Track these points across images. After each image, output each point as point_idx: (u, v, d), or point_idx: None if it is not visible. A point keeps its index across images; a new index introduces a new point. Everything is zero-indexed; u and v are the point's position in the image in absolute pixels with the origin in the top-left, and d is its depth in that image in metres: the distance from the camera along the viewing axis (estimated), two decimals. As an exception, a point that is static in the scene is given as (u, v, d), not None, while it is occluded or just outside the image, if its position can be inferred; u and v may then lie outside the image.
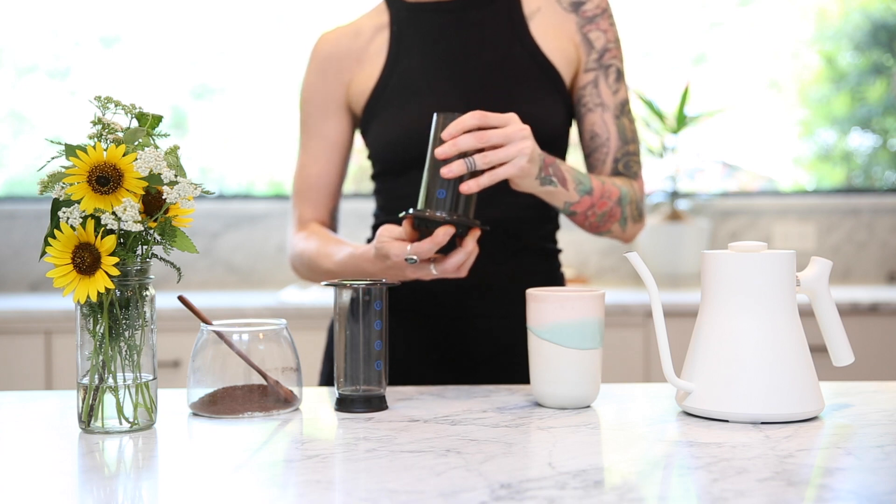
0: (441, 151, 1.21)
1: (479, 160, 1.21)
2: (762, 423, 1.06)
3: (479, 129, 1.22)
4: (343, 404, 1.15)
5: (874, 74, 3.60)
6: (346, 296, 1.15)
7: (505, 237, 1.47)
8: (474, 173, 1.23)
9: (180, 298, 1.19)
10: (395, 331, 1.46)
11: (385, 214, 1.52)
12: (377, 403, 1.15)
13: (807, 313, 1.12)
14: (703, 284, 1.12)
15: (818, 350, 1.19)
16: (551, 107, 1.46)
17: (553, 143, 1.46)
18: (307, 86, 1.57)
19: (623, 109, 1.48)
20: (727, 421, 1.07)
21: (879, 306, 2.71)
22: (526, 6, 1.49)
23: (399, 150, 1.48)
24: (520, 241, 1.49)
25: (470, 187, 1.21)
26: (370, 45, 1.53)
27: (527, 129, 1.24)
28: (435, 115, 1.27)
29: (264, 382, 1.15)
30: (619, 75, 1.49)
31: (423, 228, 1.25)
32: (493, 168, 1.22)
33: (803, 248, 3.25)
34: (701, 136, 3.49)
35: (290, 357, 1.17)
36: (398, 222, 1.47)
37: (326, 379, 1.54)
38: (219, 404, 1.13)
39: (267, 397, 1.14)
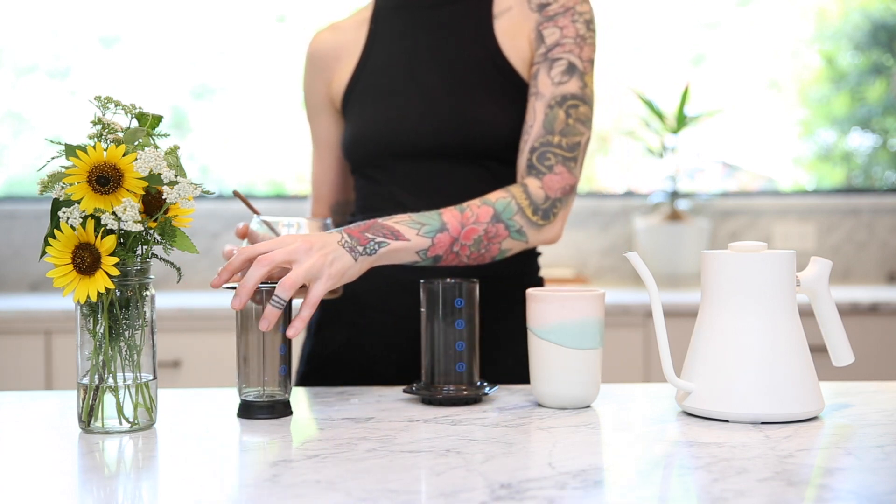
0: (237, 303, 1.09)
1: (282, 293, 1.09)
2: (762, 423, 1.06)
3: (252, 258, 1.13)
4: (246, 411, 1.12)
5: (874, 74, 3.60)
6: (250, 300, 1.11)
7: None
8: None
9: (235, 193, 1.25)
10: (360, 331, 1.46)
11: (361, 214, 1.51)
12: (281, 409, 1.12)
13: (807, 313, 1.12)
14: (703, 284, 1.12)
15: (818, 350, 1.19)
16: (509, 109, 1.42)
17: (510, 148, 1.42)
18: (303, 85, 1.60)
19: (563, 102, 1.38)
20: (727, 421, 1.07)
21: (879, 306, 2.71)
22: (496, 5, 1.45)
23: (364, 149, 1.47)
24: None
25: (297, 329, 1.11)
26: (350, 42, 1.53)
27: (307, 242, 1.14)
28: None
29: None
30: (571, 69, 1.39)
31: None
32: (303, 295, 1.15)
33: (803, 248, 3.25)
34: (701, 136, 3.49)
35: None
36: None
37: (301, 379, 1.53)
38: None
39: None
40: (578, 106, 1.38)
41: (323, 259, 1.14)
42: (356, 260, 1.17)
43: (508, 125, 1.42)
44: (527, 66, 1.43)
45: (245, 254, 1.12)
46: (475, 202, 1.30)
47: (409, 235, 1.23)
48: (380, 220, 1.23)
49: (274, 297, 1.09)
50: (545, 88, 1.38)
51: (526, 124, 1.39)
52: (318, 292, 1.12)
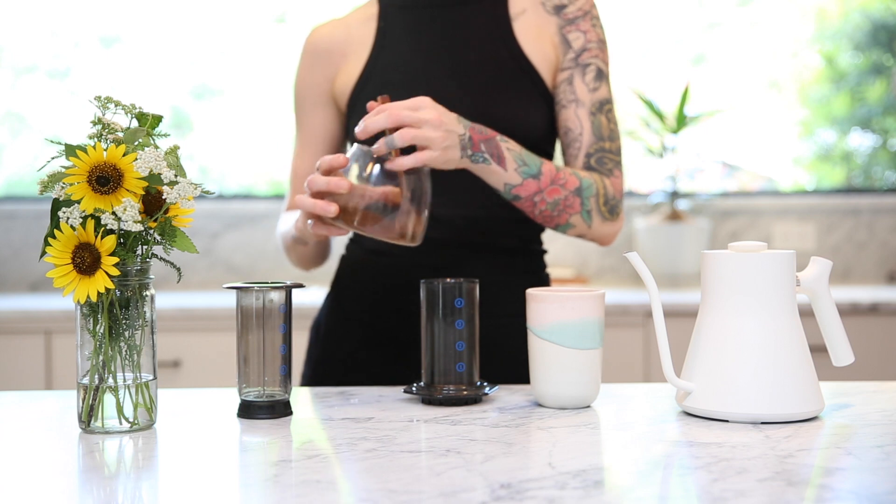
0: (360, 131, 1.22)
1: (398, 139, 1.21)
2: (762, 423, 1.06)
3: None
4: (246, 411, 1.12)
5: (874, 74, 3.60)
6: (251, 300, 1.11)
7: (478, 237, 1.45)
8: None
9: (381, 99, 1.26)
10: (374, 332, 1.46)
11: None
12: (281, 409, 1.12)
13: (807, 313, 1.12)
14: (703, 284, 1.12)
15: (818, 350, 1.19)
16: (530, 110, 1.43)
17: (532, 147, 1.42)
18: (298, 78, 1.60)
19: (601, 108, 1.43)
20: (727, 421, 1.07)
21: (879, 306, 2.71)
22: (512, 6, 1.46)
23: None
24: (495, 241, 1.46)
25: (400, 164, 1.21)
26: (356, 39, 1.52)
27: (439, 118, 1.22)
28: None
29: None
30: (600, 75, 1.44)
31: None
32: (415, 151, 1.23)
33: (803, 248, 3.25)
34: (701, 136, 3.49)
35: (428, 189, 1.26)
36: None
37: (307, 381, 1.52)
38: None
39: (393, 223, 1.22)
40: (612, 110, 1.45)
41: (442, 140, 1.22)
42: (461, 158, 1.26)
43: (529, 125, 1.43)
44: (550, 68, 1.45)
45: (393, 107, 1.21)
46: (567, 169, 1.37)
47: (508, 167, 1.30)
48: (498, 138, 1.29)
49: (389, 138, 1.20)
50: (583, 95, 1.43)
51: (572, 132, 1.43)
52: (422, 158, 1.21)
